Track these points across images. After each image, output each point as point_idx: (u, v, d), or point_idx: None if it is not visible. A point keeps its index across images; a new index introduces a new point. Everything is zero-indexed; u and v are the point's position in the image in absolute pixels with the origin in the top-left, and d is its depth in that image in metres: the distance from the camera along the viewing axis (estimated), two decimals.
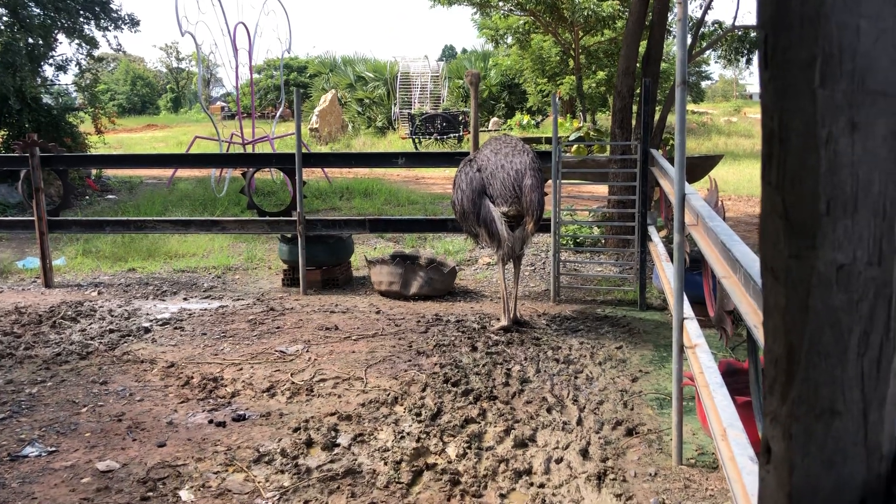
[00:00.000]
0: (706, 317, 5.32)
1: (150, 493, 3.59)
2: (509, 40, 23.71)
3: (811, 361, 0.97)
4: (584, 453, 3.93)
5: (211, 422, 4.41)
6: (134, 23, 17.17)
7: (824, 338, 0.96)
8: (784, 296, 0.98)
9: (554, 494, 3.56)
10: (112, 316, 6.67)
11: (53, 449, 4.07)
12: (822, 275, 0.94)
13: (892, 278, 0.94)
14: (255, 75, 36.42)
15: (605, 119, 25.21)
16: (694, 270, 5.61)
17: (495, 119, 28.79)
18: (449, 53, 63.92)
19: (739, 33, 14.38)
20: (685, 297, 3.84)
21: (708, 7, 10.29)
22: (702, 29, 11.75)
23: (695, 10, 14.41)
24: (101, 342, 5.90)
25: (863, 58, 0.88)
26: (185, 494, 3.59)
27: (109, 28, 16.89)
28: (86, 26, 16.57)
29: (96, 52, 18.45)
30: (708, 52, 21.42)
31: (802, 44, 0.89)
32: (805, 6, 0.88)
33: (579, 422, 4.32)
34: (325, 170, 15.27)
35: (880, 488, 1.00)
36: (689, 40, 10.30)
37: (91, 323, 6.47)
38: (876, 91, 0.89)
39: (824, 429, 0.98)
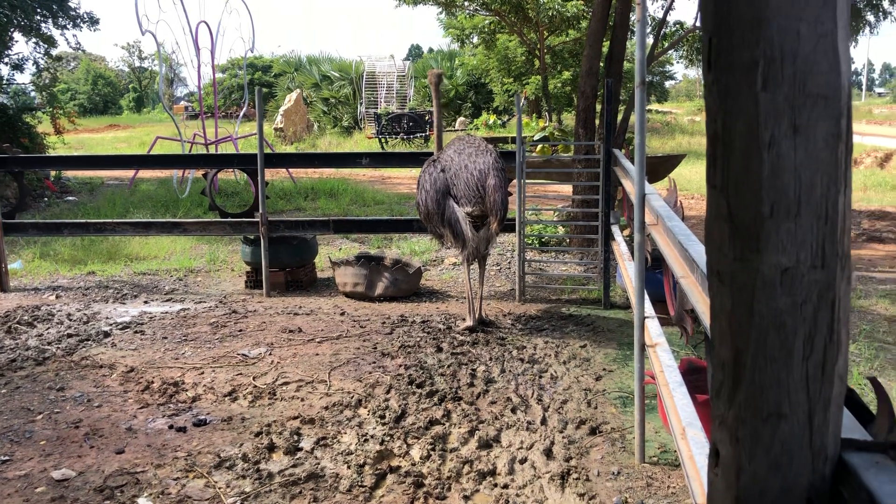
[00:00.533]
0: (668, 315, 5.36)
1: (108, 502, 3.52)
2: (475, 40, 23.74)
3: (757, 364, 0.97)
4: (548, 453, 3.93)
5: (171, 427, 4.34)
6: (93, 21, 16.88)
7: (770, 341, 0.96)
8: (730, 299, 0.98)
9: (518, 495, 3.56)
10: (70, 320, 6.53)
11: (7, 458, 3.96)
12: (766, 278, 0.94)
13: (835, 281, 0.95)
14: (219, 75, 36.02)
15: (570, 118, 25.34)
16: (656, 269, 5.66)
17: (462, 118, 28.80)
18: (415, 53, 63.86)
19: (701, 33, 14.55)
20: (647, 296, 3.86)
21: (669, 7, 10.39)
22: (664, 29, 11.87)
23: (657, 11, 14.56)
24: (58, 347, 5.78)
25: (803, 61, 0.88)
26: (143, 502, 3.52)
27: (68, 26, 16.59)
28: (43, 25, 16.25)
29: (55, 51, 18.11)
30: (670, 52, 21.65)
31: (744, 47, 0.89)
32: (746, 9, 0.88)
33: (543, 421, 4.33)
34: (290, 170, 15.14)
35: (825, 490, 1.01)
36: (650, 41, 10.40)
37: (48, 328, 6.33)
38: (817, 94, 0.89)
39: (770, 432, 0.98)
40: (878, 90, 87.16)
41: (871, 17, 11.55)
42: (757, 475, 1.00)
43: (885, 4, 11.67)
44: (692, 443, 2.61)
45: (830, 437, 1.00)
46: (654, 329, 3.76)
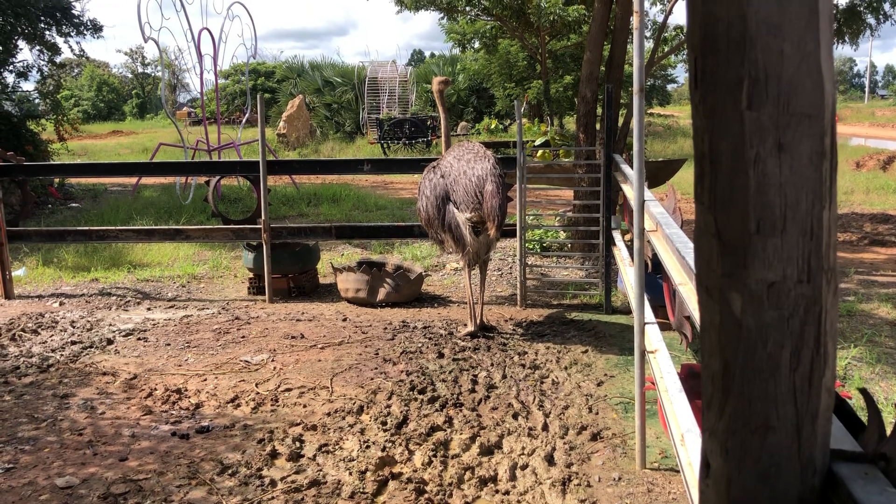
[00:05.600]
0: (669, 320, 5.37)
1: None
2: (476, 45, 23.76)
3: (745, 377, 0.99)
4: (550, 459, 3.95)
5: (174, 434, 4.36)
6: (97, 28, 16.94)
7: (757, 354, 0.98)
8: (718, 313, 0.99)
9: (519, 501, 3.57)
10: (74, 327, 6.56)
11: (11, 466, 3.99)
12: (753, 292, 0.96)
13: (821, 295, 0.96)
14: (223, 80, 36.12)
15: (572, 123, 25.33)
16: (657, 274, 5.67)
17: (464, 123, 28.84)
18: (417, 58, 64.02)
19: None
20: (647, 302, 3.88)
21: (669, 12, 10.41)
22: (664, 33, 11.89)
23: (657, 15, 14.59)
24: (62, 354, 5.81)
25: (787, 81, 0.90)
26: None
27: (71, 34, 16.64)
28: (47, 32, 16.30)
29: (58, 59, 18.18)
30: (671, 56, 21.66)
31: (730, 66, 0.91)
32: (731, 30, 0.89)
33: (545, 427, 4.34)
34: (293, 176, 15.19)
35: (815, 501, 1.02)
36: (650, 45, 10.42)
37: (52, 335, 6.36)
38: (801, 113, 0.90)
39: (759, 443, 1.00)
40: (880, 92, 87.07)
41: (871, 20, 11.52)
42: (747, 487, 1.01)
43: (887, 7, 11.65)
44: (691, 449, 2.62)
45: (819, 448, 1.01)
46: (654, 335, 3.78)
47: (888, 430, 1.05)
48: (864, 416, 1.19)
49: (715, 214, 0.96)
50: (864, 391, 1.15)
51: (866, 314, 6.57)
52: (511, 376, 5.17)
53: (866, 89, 76.36)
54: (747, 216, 0.93)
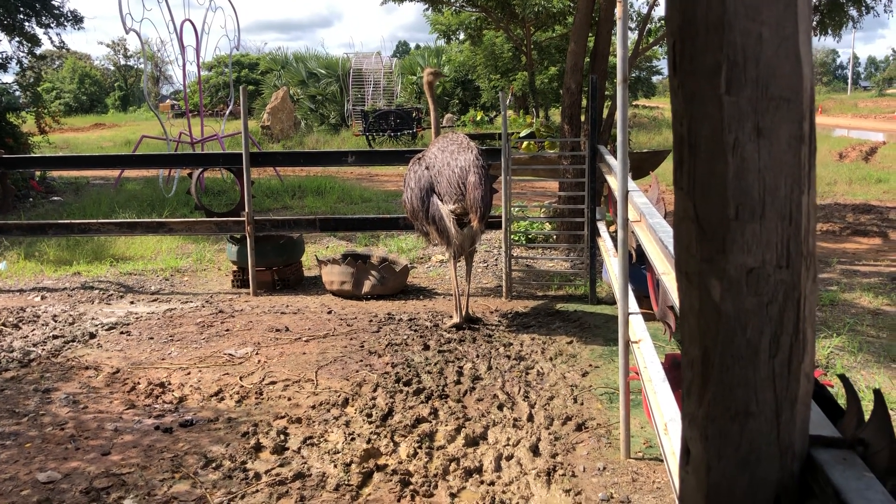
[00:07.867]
0: (653, 310, 5.39)
1: None
2: (461, 36, 23.70)
3: (724, 363, 0.98)
4: (535, 450, 3.95)
5: (157, 428, 4.33)
6: (77, 19, 16.75)
7: (736, 340, 0.97)
8: (697, 299, 0.99)
9: (504, 492, 3.57)
10: (56, 321, 6.50)
11: None
12: (732, 278, 0.95)
13: (800, 281, 0.96)
14: (206, 72, 35.83)
15: (558, 114, 25.32)
16: (641, 265, 5.68)
17: (449, 115, 28.79)
18: (402, 50, 63.78)
19: None
20: (631, 292, 3.88)
21: (654, 3, 10.41)
22: (648, 25, 11.90)
23: (642, 6, 14.60)
24: (43, 349, 5.75)
25: (766, 65, 0.89)
26: None
27: (51, 25, 16.45)
28: (26, 23, 16.10)
29: (38, 50, 17.97)
30: (656, 48, 21.67)
31: (708, 51, 0.90)
32: (709, 14, 0.89)
33: (530, 418, 4.35)
34: (277, 168, 15.12)
35: (794, 486, 1.02)
36: (635, 36, 10.43)
37: (34, 329, 6.29)
38: (779, 97, 0.90)
39: (739, 430, 1.00)
40: (863, 84, 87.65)
41: (853, 12, 11.57)
42: (726, 473, 1.01)
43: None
44: (675, 438, 2.63)
45: (798, 434, 1.01)
46: (638, 325, 3.79)
47: (867, 416, 1.05)
48: (844, 403, 1.19)
49: (694, 200, 0.96)
50: (842, 377, 1.15)
51: (848, 303, 6.62)
52: (496, 368, 5.17)
53: (849, 81, 76.85)
54: (726, 201, 0.93)
